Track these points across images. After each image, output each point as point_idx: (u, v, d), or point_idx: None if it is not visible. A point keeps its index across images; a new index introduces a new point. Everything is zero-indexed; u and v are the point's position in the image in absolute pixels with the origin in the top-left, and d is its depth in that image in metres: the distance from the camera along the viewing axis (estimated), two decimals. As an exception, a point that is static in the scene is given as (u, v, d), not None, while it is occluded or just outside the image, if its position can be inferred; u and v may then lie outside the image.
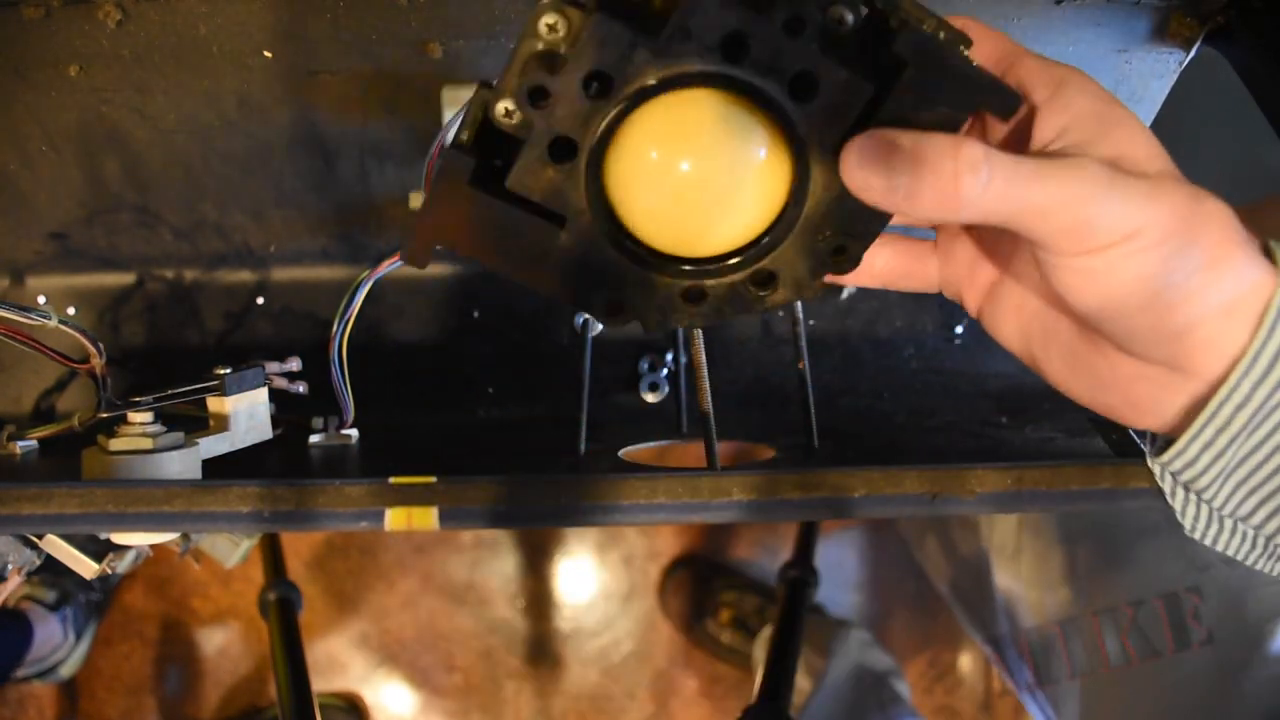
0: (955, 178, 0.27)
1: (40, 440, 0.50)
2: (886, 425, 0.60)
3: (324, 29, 0.49)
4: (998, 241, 0.34)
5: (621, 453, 0.52)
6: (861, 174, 0.29)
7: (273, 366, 0.48)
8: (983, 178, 0.27)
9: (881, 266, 0.36)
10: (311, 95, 0.52)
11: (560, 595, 1.20)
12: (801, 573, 0.94)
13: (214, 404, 0.46)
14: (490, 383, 0.60)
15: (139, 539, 0.44)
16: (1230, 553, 0.33)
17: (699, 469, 0.42)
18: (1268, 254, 0.29)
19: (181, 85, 0.51)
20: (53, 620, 1.02)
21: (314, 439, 0.51)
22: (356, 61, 0.51)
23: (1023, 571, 0.93)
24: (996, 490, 0.34)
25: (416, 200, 0.43)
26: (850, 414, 0.61)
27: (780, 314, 0.61)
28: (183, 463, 0.42)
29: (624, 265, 0.33)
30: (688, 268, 0.34)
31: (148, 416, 0.42)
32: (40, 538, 0.46)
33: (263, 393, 0.47)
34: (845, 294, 0.62)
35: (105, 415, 0.43)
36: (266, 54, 0.50)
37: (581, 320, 0.59)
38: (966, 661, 1.22)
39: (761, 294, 0.34)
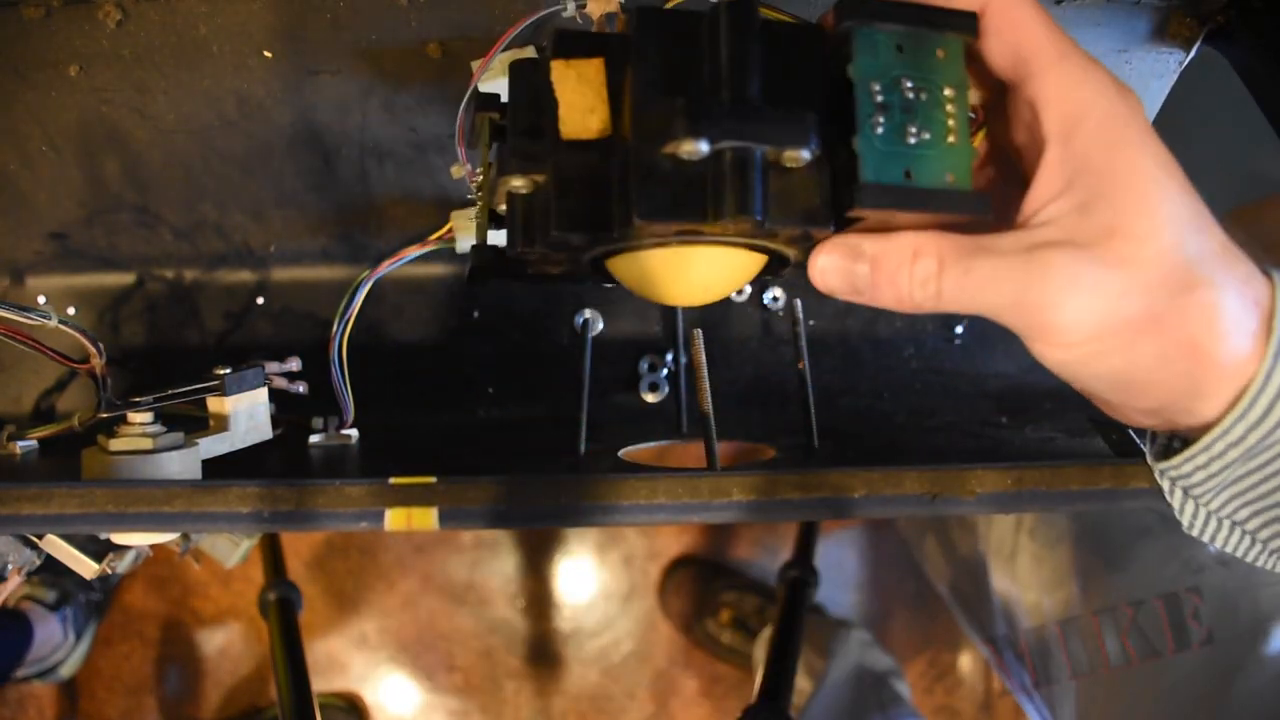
0: (910, 292, 0.29)
1: (40, 440, 0.50)
2: (886, 425, 0.60)
3: (324, 29, 0.49)
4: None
5: (621, 453, 0.52)
6: (826, 284, 0.31)
7: (273, 366, 0.48)
8: (931, 290, 0.28)
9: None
10: (311, 95, 0.52)
11: (560, 595, 1.20)
12: (801, 573, 0.94)
13: (214, 404, 0.46)
14: (490, 383, 0.60)
15: (139, 539, 0.44)
16: (1229, 550, 0.34)
17: (699, 469, 0.42)
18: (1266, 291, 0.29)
19: (181, 85, 0.51)
20: (53, 620, 1.02)
21: (314, 439, 0.51)
22: (356, 61, 0.51)
23: (1022, 572, 0.93)
24: (996, 490, 0.34)
25: (458, 172, 0.45)
26: (850, 414, 0.61)
27: (780, 314, 0.61)
28: (183, 463, 0.42)
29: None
30: None
31: (148, 416, 0.42)
32: (40, 538, 0.46)
33: (263, 393, 0.47)
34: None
35: (105, 415, 0.43)
36: (266, 54, 0.50)
37: (581, 320, 0.59)
38: (966, 662, 1.22)
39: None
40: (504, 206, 0.33)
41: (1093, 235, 0.27)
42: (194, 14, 0.48)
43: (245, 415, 0.46)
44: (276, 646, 0.78)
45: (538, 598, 1.20)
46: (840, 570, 1.22)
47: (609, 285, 0.37)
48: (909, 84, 0.28)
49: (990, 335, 0.63)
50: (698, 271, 0.33)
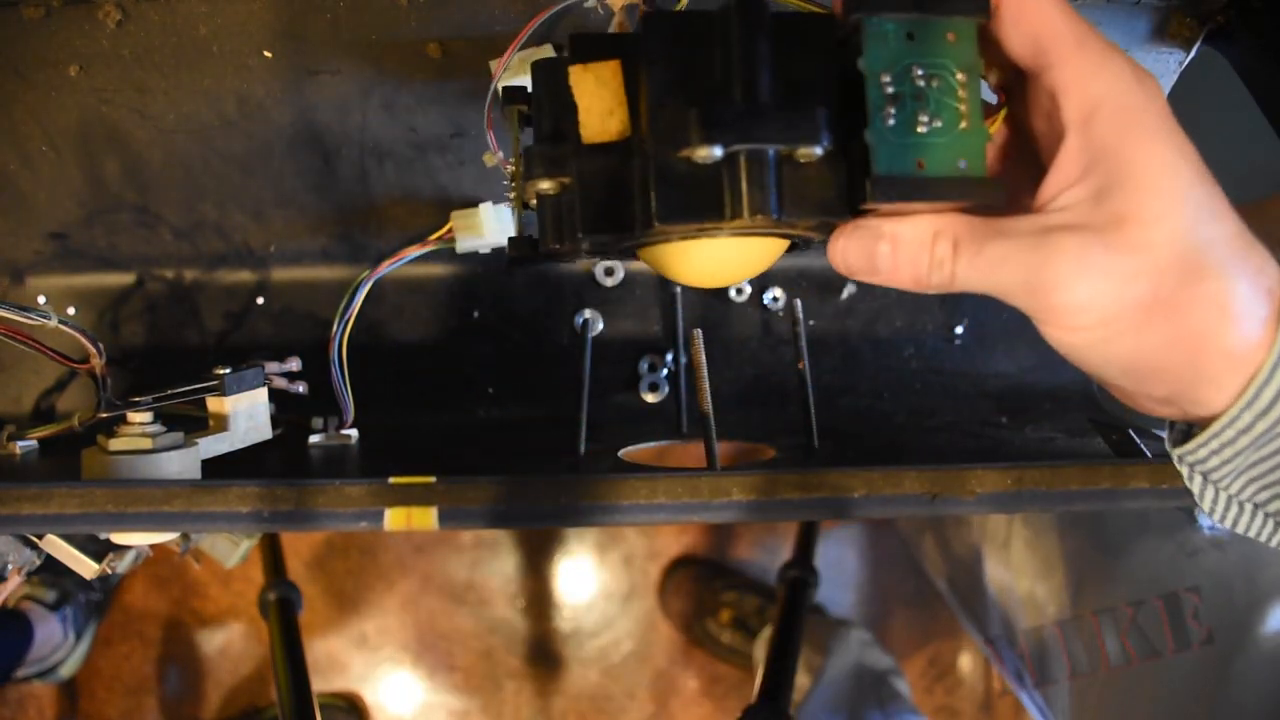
0: (927, 274, 0.30)
1: (40, 440, 0.50)
2: (886, 425, 0.60)
3: (324, 29, 0.49)
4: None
5: (621, 453, 0.52)
6: (847, 264, 0.31)
7: (273, 366, 0.48)
8: (946, 273, 0.29)
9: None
10: (311, 95, 0.52)
11: (560, 595, 1.20)
12: (801, 573, 0.94)
13: (214, 404, 0.46)
14: (490, 383, 0.60)
15: (139, 539, 0.44)
16: (1251, 534, 0.33)
17: (699, 469, 0.42)
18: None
19: (181, 85, 0.51)
20: (53, 620, 1.02)
21: (314, 439, 0.51)
22: (356, 61, 0.51)
23: (1021, 572, 0.93)
24: (996, 490, 0.34)
25: (490, 160, 0.46)
26: (850, 414, 0.61)
27: (780, 314, 0.61)
28: (182, 463, 0.42)
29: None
30: None
31: (147, 416, 0.42)
32: (40, 538, 0.46)
33: (262, 393, 0.47)
34: (845, 294, 0.62)
35: (105, 415, 0.43)
36: (266, 54, 0.50)
37: (581, 320, 0.59)
38: (966, 661, 1.22)
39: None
40: (534, 201, 0.34)
41: (1105, 221, 0.28)
42: (194, 14, 0.48)
43: (245, 415, 0.46)
44: (276, 646, 0.78)
45: (538, 598, 1.19)
46: (840, 570, 1.22)
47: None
48: (920, 71, 0.29)
49: (990, 335, 0.63)
50: (722, 257, 0.34)
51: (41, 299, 0.59)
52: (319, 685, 1.15)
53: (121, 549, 0.48)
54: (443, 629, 1.18)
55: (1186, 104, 0.57)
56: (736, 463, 0.54)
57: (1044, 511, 0.34)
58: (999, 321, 0.63)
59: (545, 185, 0.32)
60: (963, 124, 0.29)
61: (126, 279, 0.59)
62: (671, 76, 0.30)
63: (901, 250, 0.30)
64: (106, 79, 0.51)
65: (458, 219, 0.51)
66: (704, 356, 0.45)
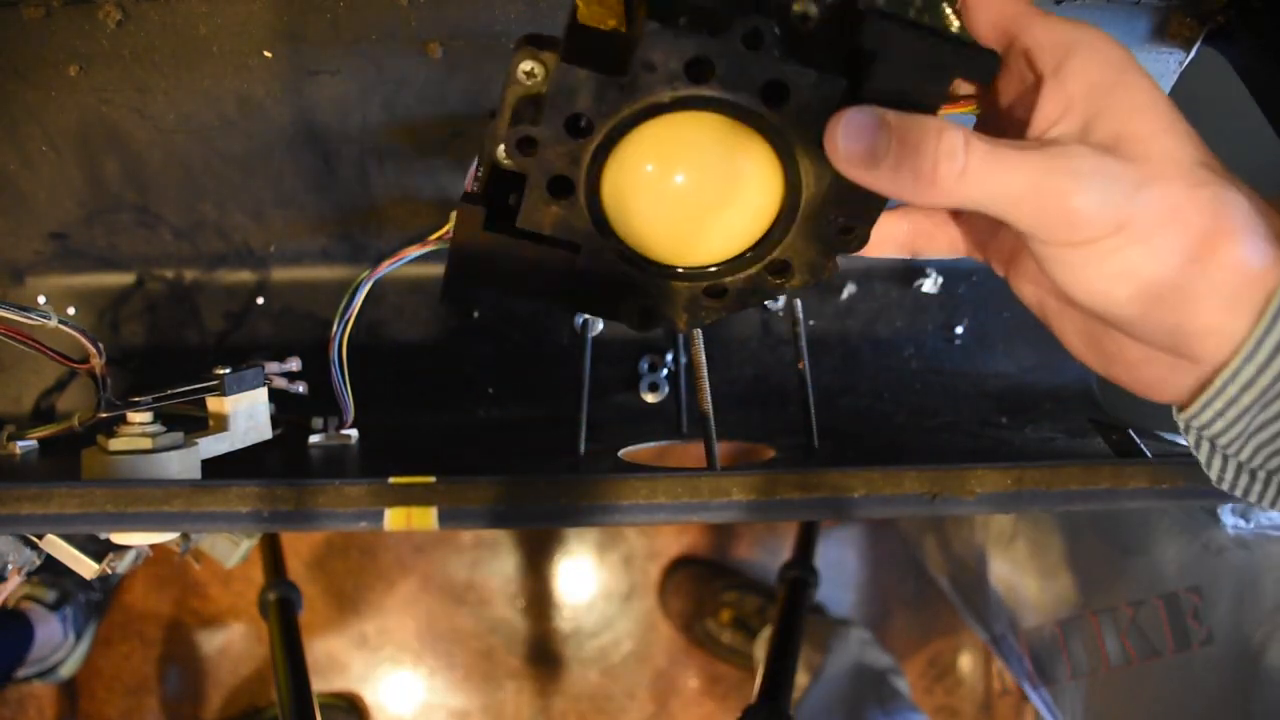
0: (934, 164, 0.27)
1: (40, 440, 0.50)
2: (886, 425, 0.60)
3: (324, 29, 0.49)
4: None
5: (621, 453, 0.52)
6: (846, 153, 0.29)
7: (273, 366, 0.48)
8: (958, 165, 0.27)
9: (904, 236, 0.36)
10: (311, 95, 0.52)
11: (560, 595, 1.20)
12: (801, 573, 0.94)
13: (214, 404, 0.46)
14: (490, 383, 0.60)
15: (139, 539, 0.44)
16: (1265, 505, 0.32)
17: (699, 469, 0.42)
18: None
19: (181, 85, 0.51)
20: (53, 620, 1.02)
21: (314, 439, 0.51)
22: (356, 61, 0.51)
23: (1022, 572, 0.93)
24: (996, 490, 0.34)
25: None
26: (850, 414, 0.61)
27: (780, 314, 0.61)
28: (182, 463, 0.42)
29: (640, 278, 0.34)
30: (702, 272, 0.35)
31: (147, 416, 0.42)
32: (40, 538, 0.46)
33: (262, 393, 0.47)
34: (845, 294, 0.62)
35: (105, 415, 0.43)
36: (266, 54, 0.50)
37: (581, 320, 0.59)
38: (966, 661, 1.22)
39: (779, 281, 0.35)
40: (505, 156, 0.32)
41: (1101, 142, 0.28)
42: (194, 14, 0.48)
43: (245, 415, 0.46)
44: (276, 646, 0.78)
45: (538, 598, 1.19)
46: (840, 570, 1.22)
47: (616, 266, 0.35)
48: None
49: (990, 335, 0.63)
50: (707, 162, 0.31)
51: (41, 299, 0.59)
52: (319, 685, 1.15)
53: (121, 549, 0.48)
54: (443, 629, 1.18)
55: (1187, 104, 0.57)
56: (736, 463, 0.54)
57: (1044, 511, 0.34)
58: (999, 321, 0.63)
59: (528, 66, 0.30)
60: (953, 28, 0.30)
61: (126, 279, 0.59)
62: None
63: (907, 139, 0.27)
64: (106, 79, 0.51)
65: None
66: (704, 356, 0.45)
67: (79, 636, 1.06)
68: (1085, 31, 0.29)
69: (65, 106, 0.52)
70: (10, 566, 0.48)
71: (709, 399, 0.44)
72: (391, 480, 0.34)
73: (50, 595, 1.02)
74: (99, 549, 0.47)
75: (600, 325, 0.59)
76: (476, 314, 0.60)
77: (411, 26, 0.49)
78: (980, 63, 0.29)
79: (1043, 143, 0.28)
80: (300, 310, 0.60)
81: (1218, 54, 0.51)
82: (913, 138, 0.27)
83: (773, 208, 0.33)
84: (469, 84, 0.52)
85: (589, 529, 1.18)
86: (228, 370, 0.46)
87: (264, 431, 0.48)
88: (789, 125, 0.30)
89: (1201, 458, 0.33)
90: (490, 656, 1.18)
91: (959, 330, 0.63)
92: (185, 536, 0.53)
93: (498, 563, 1.19)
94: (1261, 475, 0.32)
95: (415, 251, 0.51)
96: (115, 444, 0.41)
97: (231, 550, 0.59)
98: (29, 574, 0.48)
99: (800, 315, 0.55)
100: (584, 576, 1.20)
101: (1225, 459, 0.32)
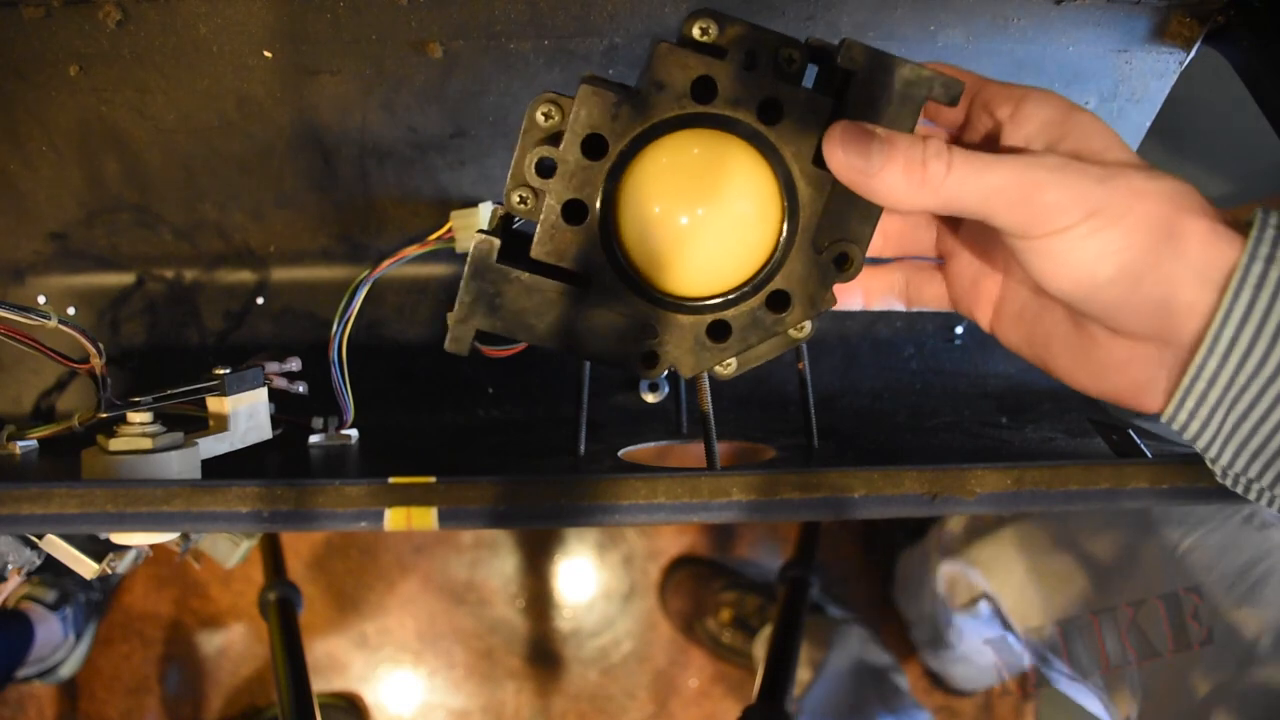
0: (924, 163, 0.30)
1: (40, 440, 0.50)
2: (886, 425, 0.60)
3: (324, 29, 0.49)
4: (992, 255, 0.37)
5: (621, 453, 0.52)
6: (843, 152, 0.32)
7: (273, 366, 0.48)
8: (945, 163, 0.30)
9: (899, 285, 0.39)
10: (311, 95, 0.52)
11: (560, 595, 1.20)
12: (802, 572, 0.94)
13: (214, 404, 0.46)
14: (490, 383, 0.60)
15: (139, 539, 0.45)
16: (1264, 503, 0.33)
17: (699, 469, 0.42)
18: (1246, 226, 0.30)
19: (181, 85, 0.51)
20: (53, 620, 1.02)
21: (314, 439, 0.51)
22: (356, 61, 0.51)
23: (1021, 574, 0.93)
24: (996, 490, 0.34)
25: (457, 219, 0.47)
26: (850, 414, 0.61)
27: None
28: (182, 463, 0.42)
29: (647, 310, 0.35)
30: (706, 303, 0.36)
31: (147, 416, 0.42)
32: (40, 538, 0.46)
33: (262, 393, 0.47)
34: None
35: (105, 415, 0.43)
36: (266, 54, 0.50)
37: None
38: (966, 661, 1.22)
39: (779, 315, 0.36)
40: (521, 194, 0.34)
41: (1066, 155, 0.31)
42: (194, 14, 0.48)
43: (245, 415, 0.46)
44: (276, 646, 0.78)
45: (538, 598, 1.20)
46: (841, 566, 1.22)
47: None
48: None
49: (990, 336, 0.63)
50: (713, 175, 0.33)
51: (41, 299, 0.59)
52: (319, 685, 1.15)
53: (121, 549, 0.48)
54: (443, 629, 1.18)
55: (1187, 104, 0.57)
56: (736, 463, 0.54)
57: (1044, 511, 0.34)
58: (999, 321, 0.63)
59: (545, 108, 0.33)
60: None
61: (126, 279, 0.59)
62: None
63: (896, 143, 0.31)
64: (106, 79, 0.51)
65: (457, 219, 0.51)
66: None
67: (79, 636, 1.06)
68: (1034, 88, 0.33)
69: (65, 106, 0.52)
70: (10, 566, 0.48)
71: (709, 399, 0.44)
72: (391, 480, 0.34)
73: (50, 595, 1.02)
74: (99, 549, 0.47)
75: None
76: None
77: (411, 26, 0.49)
78: (948, 85, 0.33)
79: (1016, 149, 0.32)
80: (300, 310, 0.60)
81: (1218, 54, 0.51)
82: (902, 143, 0.31)
83: (774, 229, 0.35)
84: (469, 84, 0.52)
85: (589, 529, 1.18)
86: (228, 370, 0.46)
87: (264, 431, 0.48)
88: (785, 142, 0.33)
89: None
90: (490, 656, 1.18)
91: (959, 330, 0.63)
92: (185, 536, 0.53)
93: (498, 563, 1.19)
94: (1255, 489, 0.32)
95: (415, 251, 0.51)
96: (115, 444, 0.41)
97: (231, 550, 0.59)
98: (29, 574, 0.48)
99: (800, 315, 0.55)
100: (584, 576, 1.20)
101: (1222, 472, 0.33)
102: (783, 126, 0.33)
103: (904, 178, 0.31)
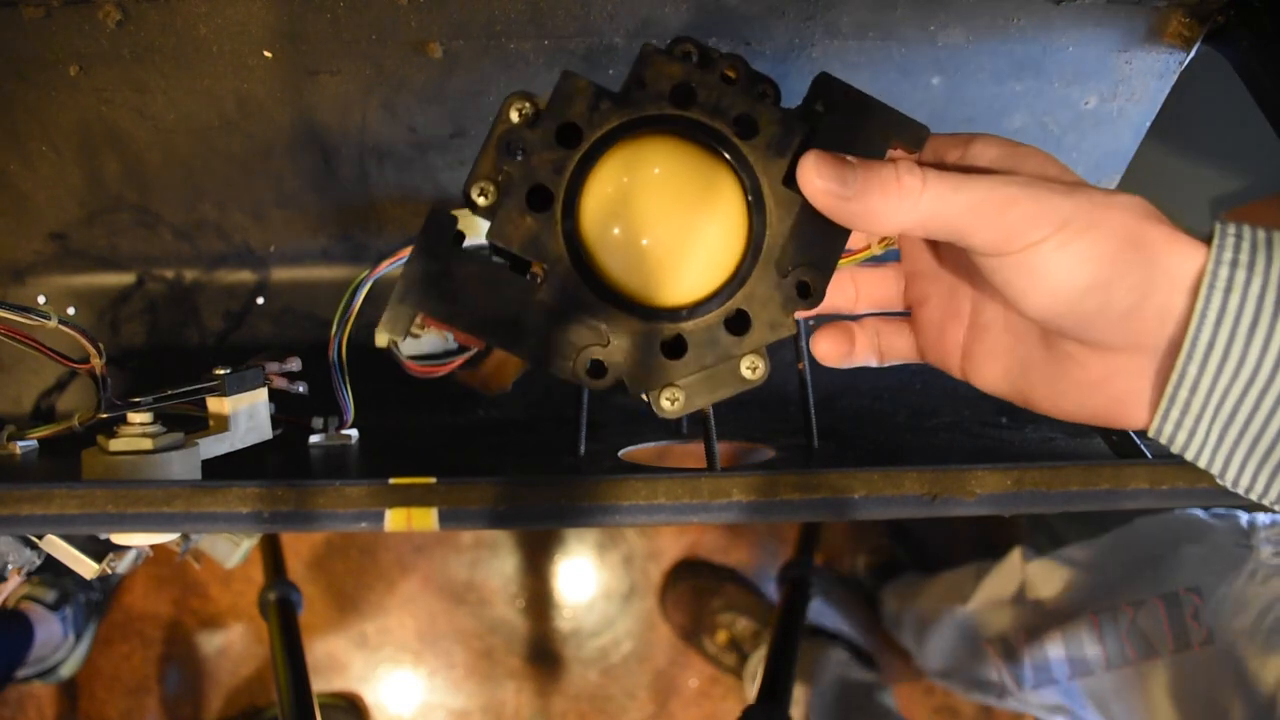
0: (898, 182, 0.31)
1: (40, 440, 0.50)
2: (886, 425, 0.60)
3: (324, 29, 0.49)
4: (958, 298, 0.37)
5: (621, 453, 0.52)
6: (818, 178, 0.32)
7: (273, 366, 0.48)
8: (919, 178, 0.31)
9: (872, 341, 0.39)
10: (311, 95, 0.52)
11: (560, 595, 1.20)
12: (802, 573, 0.94)
13: (214, 404, 0.46)
14: (490, 383, 0.60)
15: (139, 539, 0.44)
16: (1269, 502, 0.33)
17: (699, 469, 0.42)
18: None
19: (181, 85, 0.51)
20: (53, 620, 1.02)
21: (314, 439, 0.51)
22: (356, 61, 0.51)
23: (1021, 578, 0.93)
24: (996, 491, 0.34)
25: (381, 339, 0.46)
26: (850, 414, 0.61)
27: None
28: (182, 463, 0.42)
29: (601, 309, 0.34)
30: (664, 310, 0.35)
31: (147, 417, 0.42)
32: (40, 538, 0.46)
33: (262, 393, 0.47)
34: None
35: (105, 415, 0.43)
36: (266, 54, 0.50)
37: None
38: (966, 661, 1.22)
39: (738, 338, 0.35)
40: (483, 186, 0.33)
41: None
42: (194, 14, 0.48)
43: (245, 415, 0.46)
44: (276, 646, 0.78)
45: (538, 598, 1.20)
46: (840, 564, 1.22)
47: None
48: None
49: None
50: (684, 180, 0.33)
51: (41, 299, 0.59)
52: (319, 685, 1.15)
53: (121, 549, 0.48)
54: (443, 629, 1.18)
55: (1187, 104, 0.57)
56: (736, 463, 0.54)
57: (1044, 511, 0.34)
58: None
59: (519, 104, 0.33)
60: None
61: (126, 279, 0.59)
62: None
63: (872, 170, 0.31)
64: (106, 79, 0.51)
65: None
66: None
67: (79, 636, 1.06)
68: (977, 133, 0.34)
69: (65, 106, 0.52)
70: (10, 566, 0.48)
71: (709, 399, 0.44)
72: (391, 481, 0.34)
73: (50, 595, 1.02)
74: (99, 549, 0.47)
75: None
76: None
77: (411, 26, 0.49)
78: (914, 130, 0.34)
79: (982, 170, 0.33)
80: (300, 310, 0.60)
81: (1218, 54, 0.51)
82: (876, 166, 0.32)
83: (740, 243, 0.34)
84: (469, 84, 0.52)
85: (589, 529, 1.18)
86: (228, 370, 0.46)
87: (264, 431, 0.48)
88: (757, 159, 0.33)
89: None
90: (490, 656, 1.18)
91: (959, 330, 0.63)
92: (185, 537, 0.53)
93: (498, 563, 1.19)
94: (1242, 485, 0.32)
95: (415, 251, 0.51)
96: (115, 444, 0.41)
97: (231, 550, 0.59)
98: (29, 574, 0.48)
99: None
100: (584, 576, 1.21)
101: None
102: (756, 142, 0.33)
103: (881, 199, 0.31)
